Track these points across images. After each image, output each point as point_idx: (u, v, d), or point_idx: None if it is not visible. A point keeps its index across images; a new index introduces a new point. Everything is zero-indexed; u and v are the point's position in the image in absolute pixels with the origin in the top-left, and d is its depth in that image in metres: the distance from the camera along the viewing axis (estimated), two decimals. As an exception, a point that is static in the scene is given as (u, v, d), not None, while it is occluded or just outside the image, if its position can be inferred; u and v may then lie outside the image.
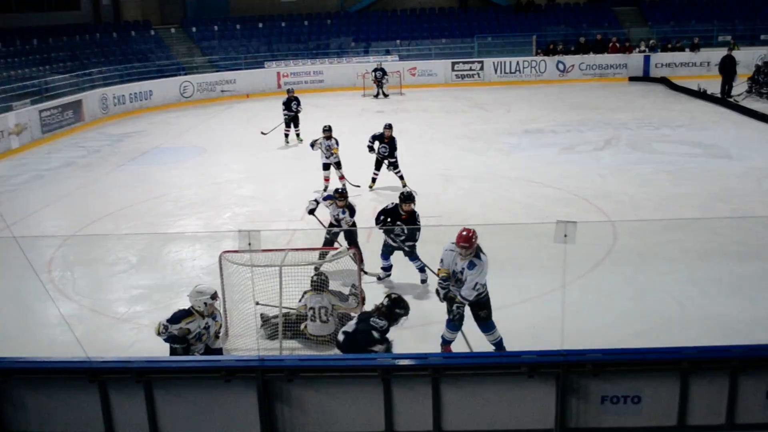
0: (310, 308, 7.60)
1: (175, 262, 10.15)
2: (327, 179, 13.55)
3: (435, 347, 7.25)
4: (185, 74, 27.76)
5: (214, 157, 17.33)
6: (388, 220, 8.75)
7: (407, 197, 8.67)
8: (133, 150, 18.64)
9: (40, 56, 25.50)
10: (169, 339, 6.63)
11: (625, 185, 13.27)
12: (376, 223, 8.78)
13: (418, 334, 7.67)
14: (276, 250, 7.65)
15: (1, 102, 19.71)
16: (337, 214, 9.55)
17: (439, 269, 7.09)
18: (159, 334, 6.68)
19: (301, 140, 17.97)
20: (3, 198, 14.29)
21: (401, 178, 13.52)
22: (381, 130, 13.56)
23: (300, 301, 7.76)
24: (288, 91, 18.81)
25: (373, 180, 13.69)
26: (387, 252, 8.90)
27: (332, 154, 13.46)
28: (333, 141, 13.46)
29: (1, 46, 25.28)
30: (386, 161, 13.42)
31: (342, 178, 13.47)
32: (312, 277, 7.75)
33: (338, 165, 13.57)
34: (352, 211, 9.60)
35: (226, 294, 7.72)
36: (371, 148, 13.52)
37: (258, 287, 7.28)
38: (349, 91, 27.81)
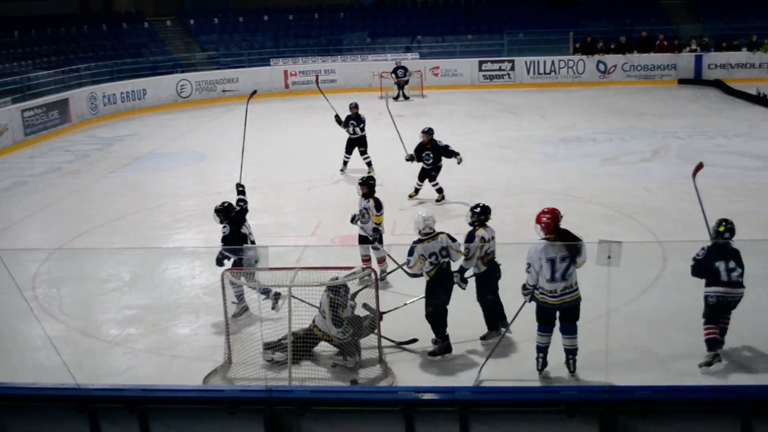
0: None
1: (173, 281, 10.21)
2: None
3: (462, 381, 7.26)
4: (182, 72, 28.06)
5: (215, 164, 17.44)
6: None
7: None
8: (126, 155, 18.82)
9: (22, 50, 25.88)
10: None
11: (675, 201, 13.21)
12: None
13: (444, 366, 7.68)
14: (285, 268, 7.68)
15: (-20, 101, 20.01)
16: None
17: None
18: None
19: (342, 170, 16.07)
20: (-19, 206, 14.47)
21: (439, 191, 13.78)
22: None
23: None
24: (352, 106, 16.18)
25: (416, 191, 13.94)
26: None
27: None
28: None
29: (-21, 39, 25.68)
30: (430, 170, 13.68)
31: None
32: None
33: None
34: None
35: (229, 317, 7.77)
36: (412, 158, 13.74)
37: (265, 310, 7.32)
38: (364, 93, 27.90)
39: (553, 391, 5.63)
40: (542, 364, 7.52)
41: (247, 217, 9.44)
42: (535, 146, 18.16)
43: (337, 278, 7.78)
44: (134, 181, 16.16)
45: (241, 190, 9.91)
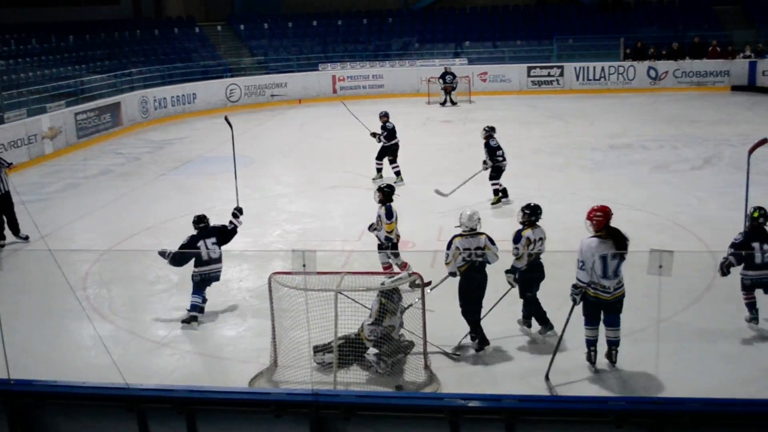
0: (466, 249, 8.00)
1: (220, 283, 10.30)
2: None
3: (510, 388, 7.22)
4: (232, 76, 28.43)
5: (263, 168, 17.63)
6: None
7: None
8: (175, 158, 19.12)
9: (76, 54, 26.45)
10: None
11: (727, 210, 12.99)
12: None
13: (491, 372, 7.65)
14: (332, 273, 7.72)
15: (35, 103, 20.47)
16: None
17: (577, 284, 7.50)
18: None
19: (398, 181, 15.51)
20: (35, 207, 14.73)
21: (496, 192, 14.01)
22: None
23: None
24: (381, 115, 16.26)
25: (496, 193, 14.08)
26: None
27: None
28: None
29: (34, 43, 26.31)
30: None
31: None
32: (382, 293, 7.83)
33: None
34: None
35: (276, 320, 7.84)
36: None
37: (312, 314, 7.35)
38: (411, 98, 28.00)
39: (602, 401, 5.56)
40: (594, 356, 7.75)
41: (232, 239, 9.68)
42: (583, 153, 18.01)
43: (383, 283, 7.79)
44: (183, 184, 16.40)
45: (235, 213, 9.98)
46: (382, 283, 7.80)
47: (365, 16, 33.19)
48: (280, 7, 35.48)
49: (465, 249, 8.06)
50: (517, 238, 8.39)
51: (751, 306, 8.67)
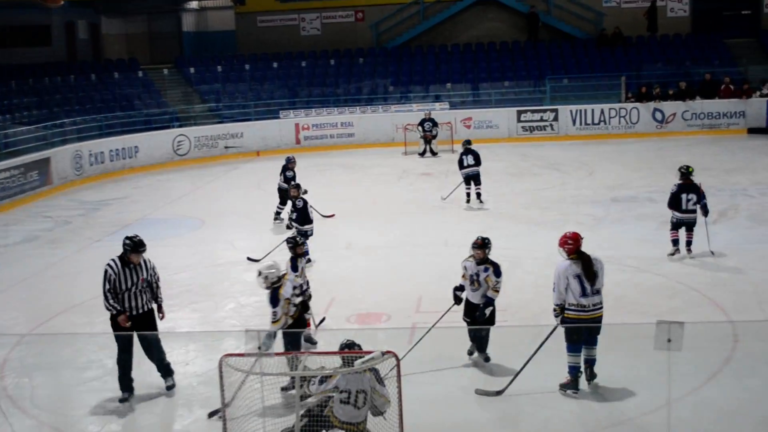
0: (344, 390, 7.51)
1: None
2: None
3: None
4: (180, 126, 28.57)
5: (216, 232, 17.56)
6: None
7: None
8: (113, 222, 18.98)
9: (0, 102, 26.35)
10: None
11: (747, 270, 13.10)
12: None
13: None
14: (291, 353, 7.65)
15: (-52, 160, 20.34)
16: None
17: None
18: None
19: None
20: (-53, 281, 14.60)
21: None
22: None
23: (323, 383, 7.63)
24: (289, 160, 18.03)
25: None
26: None
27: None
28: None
29: (-50, 90, 26.25)
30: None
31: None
32: (342, 346, 7.69)
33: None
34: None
35: (228, 409, 7.70)
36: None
37: (269, 402, 7.26)
38: (386, 148, 28.19)
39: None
40: (578, 381, 8.88)
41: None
42: (582, 208, 18.11)
43: (350, 363, 7.69)
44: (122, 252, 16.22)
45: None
46: (349, 363, 7.69)
47: (332, 56, 33.59)
48: (235, 47, 35.78)
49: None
50: (498, 270, 9.94)
51: (675, 242, 13.89)
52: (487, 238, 10.02)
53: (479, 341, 9.92)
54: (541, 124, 29.00)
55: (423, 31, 34.57)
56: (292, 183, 15.95)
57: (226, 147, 28.39)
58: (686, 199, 13.57)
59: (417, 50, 33.90)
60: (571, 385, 8.89)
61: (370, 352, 8.18)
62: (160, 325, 9.59)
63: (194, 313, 12.41)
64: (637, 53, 31.98)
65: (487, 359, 9.86)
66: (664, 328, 5.37)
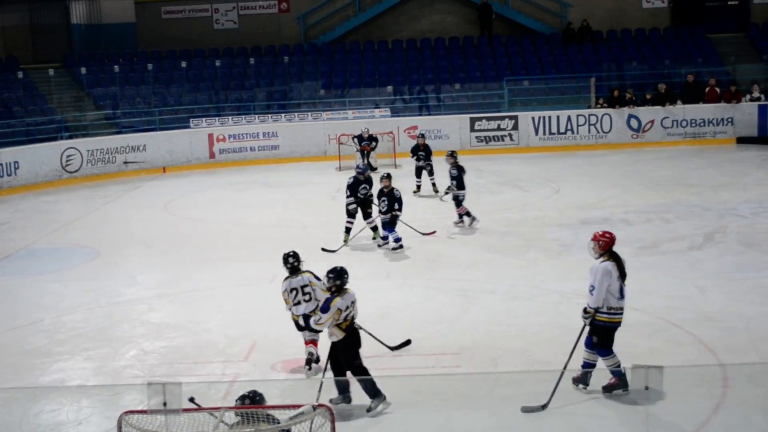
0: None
1: (51, 427, 10.06)
2: None
3: None
4: (70, 137, 28.26)
5: (113, 264, 17.36)
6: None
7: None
8: (-12, 253, 18.72)
9: None
10: None
11: (737, 303, 13.23)
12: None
13: None
14: (206, 409, 7.61)
15: None
16: None
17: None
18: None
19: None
20: None
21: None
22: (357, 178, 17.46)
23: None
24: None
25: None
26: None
27: None
28: None
29: None
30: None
31: None
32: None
33: None
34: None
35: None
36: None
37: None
38: (317, 162, 28.21)
39: None
40: (626, 380, 9.43)
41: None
42: (546, 232, 18.27)
43: (277, 421, 7.70)
44: (0, 288, 16.02)
45: None
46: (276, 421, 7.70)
47: (252, 54, 33.56)
48: (136, 42, 35.41)
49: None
50: (326, 308, 10.02)
51: (468, 215, 18.61)
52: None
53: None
54: (499, 133, 29.20)
55: (359, 24, 34.87)
56: (383, 174, 17.61)
57: (125, 162, 28.13)
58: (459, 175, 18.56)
59: (352, 47, 34.08)
60: (620, 385, 9.53)
61: (281, 407, 8.19)
62: (48, 377, 9.48)
63: (88, 362, 12.23)
64: (608, 51, 32.43)
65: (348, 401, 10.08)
66: (640, 373, 5.48)
